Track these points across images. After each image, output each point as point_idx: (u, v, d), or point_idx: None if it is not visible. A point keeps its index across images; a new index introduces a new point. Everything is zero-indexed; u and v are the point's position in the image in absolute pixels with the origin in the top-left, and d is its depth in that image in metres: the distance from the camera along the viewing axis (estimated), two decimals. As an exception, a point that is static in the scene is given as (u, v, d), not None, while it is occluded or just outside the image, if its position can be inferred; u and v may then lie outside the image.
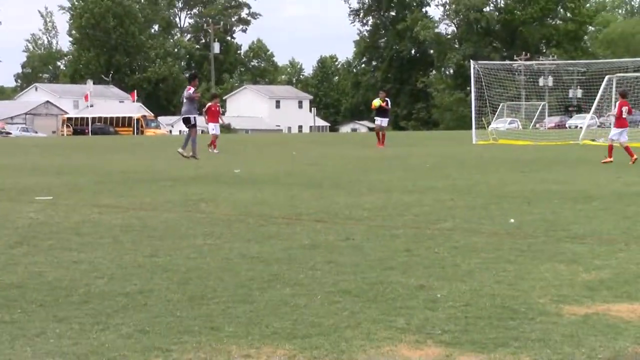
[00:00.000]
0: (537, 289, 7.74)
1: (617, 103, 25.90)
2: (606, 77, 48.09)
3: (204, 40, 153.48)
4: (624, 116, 25.37)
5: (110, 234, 11.28)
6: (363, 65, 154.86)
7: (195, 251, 9.96)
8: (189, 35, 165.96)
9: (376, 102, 38.64)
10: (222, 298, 7.49)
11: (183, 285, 8.06)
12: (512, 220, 12.45)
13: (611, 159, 24.74)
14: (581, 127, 53.05)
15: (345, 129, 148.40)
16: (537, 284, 7.94)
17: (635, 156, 24.48)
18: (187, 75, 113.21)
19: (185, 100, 29.09)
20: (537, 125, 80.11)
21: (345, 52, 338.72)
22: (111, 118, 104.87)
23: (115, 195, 16.53)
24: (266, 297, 7.51)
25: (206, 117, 36.98)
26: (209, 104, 37.54)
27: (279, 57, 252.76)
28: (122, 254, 9.72)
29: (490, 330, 6.43)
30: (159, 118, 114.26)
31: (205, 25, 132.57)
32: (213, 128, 36.62)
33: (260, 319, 6.79)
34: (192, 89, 28.90)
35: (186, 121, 29.02)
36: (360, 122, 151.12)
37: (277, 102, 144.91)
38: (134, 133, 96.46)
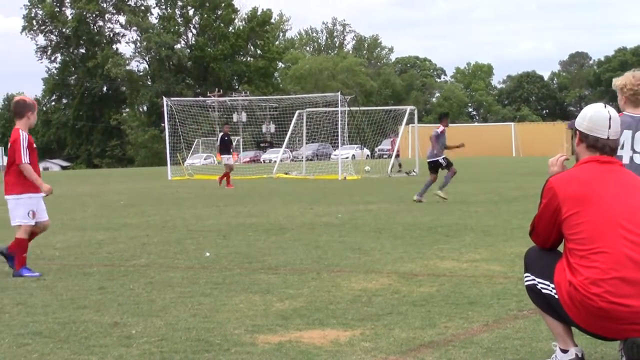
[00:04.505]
0: (232, 320, 7.76)
1: None
2: (297, 112, 49.58)
3: None
4: None
5: None
6: (53, 103, 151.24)
7: None
8: None
9: None
10: None
11: None
12: (207, 254, 12.48)
13: None
14: (275, 161, 54.34)
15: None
16: (232, 316, 7.96)
17: None
18: None
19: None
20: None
21: (34, 89, 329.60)
22: None
23: None
24: (-53, 345, 7.08)
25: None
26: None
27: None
28: None
29: (185, 364, 6.38)
30: None
31: None
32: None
33: (-60, 368, 6.40)
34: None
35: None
36: (52, 160, 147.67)
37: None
38: None
